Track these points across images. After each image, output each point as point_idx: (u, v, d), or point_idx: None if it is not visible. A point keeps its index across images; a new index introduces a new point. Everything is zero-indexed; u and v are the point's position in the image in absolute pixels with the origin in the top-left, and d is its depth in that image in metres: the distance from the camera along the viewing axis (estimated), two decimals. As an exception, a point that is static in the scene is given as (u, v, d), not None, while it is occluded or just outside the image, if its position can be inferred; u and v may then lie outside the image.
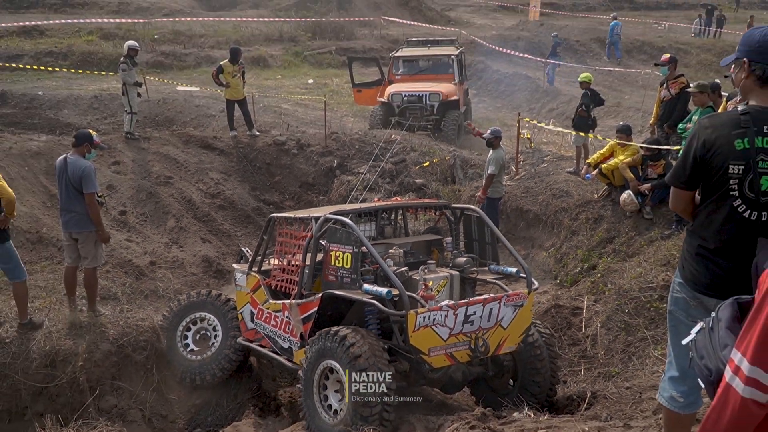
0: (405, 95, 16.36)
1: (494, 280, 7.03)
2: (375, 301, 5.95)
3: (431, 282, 6.42)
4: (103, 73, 20.43)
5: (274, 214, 7.80)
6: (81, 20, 27.54)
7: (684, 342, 2.59)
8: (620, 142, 9.72)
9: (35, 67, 20.78)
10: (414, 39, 20.47)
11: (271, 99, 19.32)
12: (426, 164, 13.57)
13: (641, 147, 9.50)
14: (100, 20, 27.68)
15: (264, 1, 38.02)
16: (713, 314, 2.42)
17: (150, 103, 17.53)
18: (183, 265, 11.16)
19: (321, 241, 6.66)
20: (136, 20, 28.00)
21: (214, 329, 8.05)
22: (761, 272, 2.32)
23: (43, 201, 11.15)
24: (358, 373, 5.69)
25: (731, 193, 2.99)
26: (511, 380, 6.87)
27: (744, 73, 3.04)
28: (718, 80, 9.65)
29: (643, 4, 44.24)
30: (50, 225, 10.50)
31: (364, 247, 6.23)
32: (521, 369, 6.74)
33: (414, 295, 6.08)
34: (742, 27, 28.16)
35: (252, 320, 7.62)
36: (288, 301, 6.91)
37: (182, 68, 23.60)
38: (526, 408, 6.06)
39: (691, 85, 9.30)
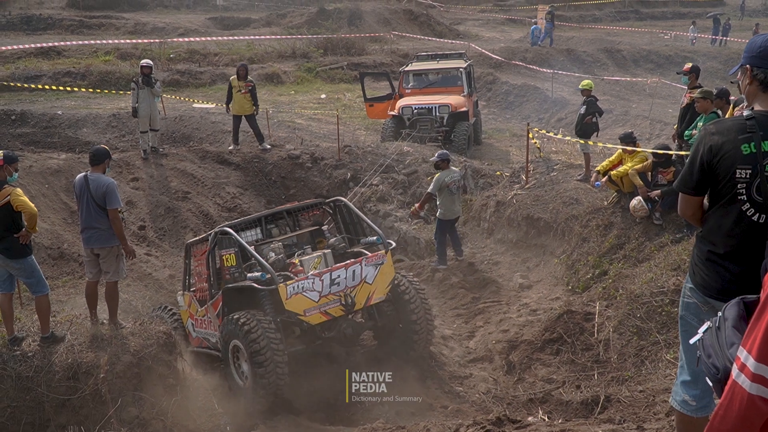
0: (415, 108, 16.47)
1: (361, 250, 8.37)
2: (254, 284, 7.36)
3: (297, 260, 7.95)
4: (120, 92, 20.62)
5: (188, 241, 9.20)
6: (98, 41, 27.86)
7: (692, 341, 2.57)
8: (626, 149, 9.75)
9: (54, 87, 20.94)
10: (423, 53, 20.64)
11: (285, 114, 19.49)
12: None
13: (650, 153, 9.53)
14: (116, 41, 27.98)
15: (276, 19, 38.35)
16: (720, 314, 2.39)
17: (167, 120, 17.72)
18: (201, 278, 11.31)
19: (217, 251, 8.07)
20: (152, 40, 28.29)
21: None
22: None
23: (64, 218, 11.35)
24: (251, 344, 7.06)
25: (739, 197, 3.01)
26: (400, 325, 8.22)
27: (747, 79, 3.08)
28: (725, 87, 9.65)
29: (649, 15, 44.24)
30: (71, 241, 10.68)
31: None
32: (401, 312, 8.15)
33: (287, 272, 7.62)
34: (748, 34, 28.03)
35: (194, 330, 9.05)
36: (207, 304, 8.39)
37: (198, 86, 23.76)
38: (540, 413, 6.14)
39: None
